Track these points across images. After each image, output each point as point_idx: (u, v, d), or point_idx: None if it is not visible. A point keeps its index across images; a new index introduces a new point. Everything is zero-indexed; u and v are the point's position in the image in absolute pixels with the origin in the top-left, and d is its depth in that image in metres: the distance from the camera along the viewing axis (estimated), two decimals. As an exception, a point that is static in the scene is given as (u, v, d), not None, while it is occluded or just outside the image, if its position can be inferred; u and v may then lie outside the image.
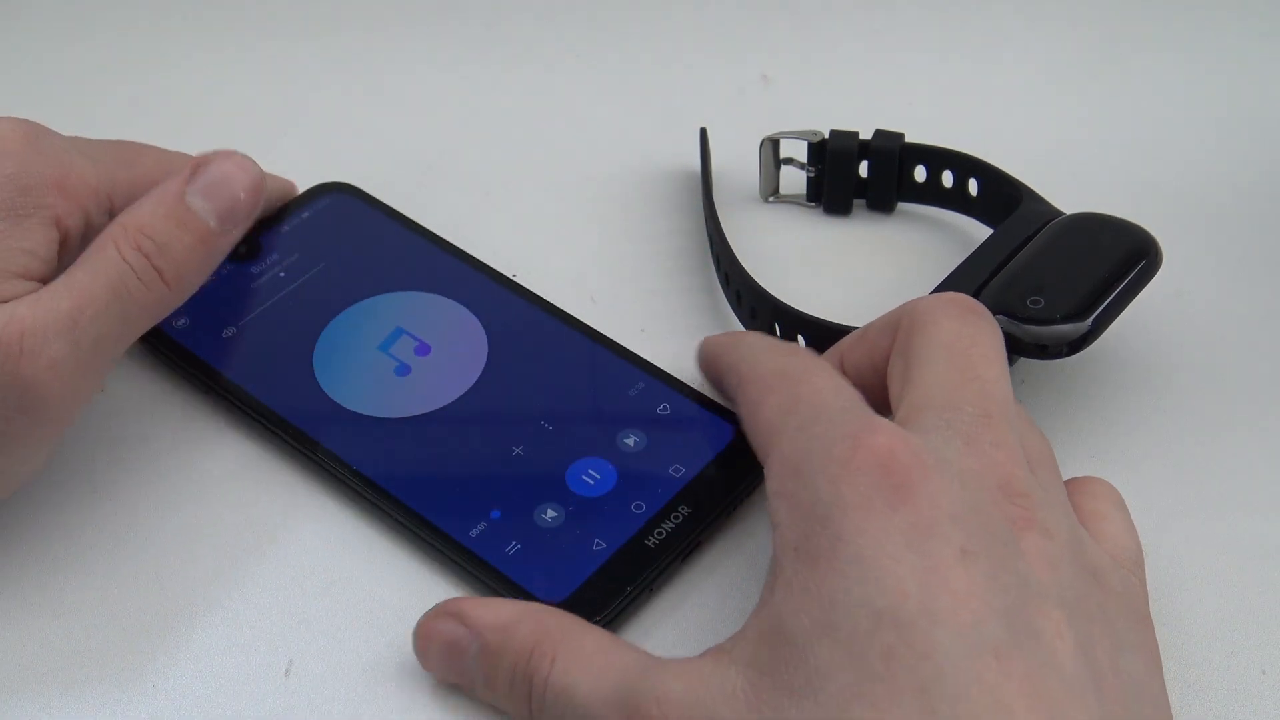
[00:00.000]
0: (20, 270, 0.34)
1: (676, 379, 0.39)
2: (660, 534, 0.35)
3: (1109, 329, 0.37)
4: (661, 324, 0.42)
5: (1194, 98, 0.50)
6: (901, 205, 0.46)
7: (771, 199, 0.47)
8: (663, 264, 0.44)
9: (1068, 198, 0.42)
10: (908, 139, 0.45)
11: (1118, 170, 0.47)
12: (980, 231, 0.44)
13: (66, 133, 0.37)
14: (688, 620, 0.35)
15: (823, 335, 0.38)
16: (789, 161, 0.46)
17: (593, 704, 0.30)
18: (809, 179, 0.46)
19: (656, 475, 0.36)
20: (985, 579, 0.28)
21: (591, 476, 0.37)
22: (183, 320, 0.41)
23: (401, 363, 0.40)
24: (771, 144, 0.46)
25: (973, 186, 0.44)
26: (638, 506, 0.36)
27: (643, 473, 0.37)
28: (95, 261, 0.34)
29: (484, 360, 0.40)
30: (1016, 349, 0.36)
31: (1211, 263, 0.44)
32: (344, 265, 0.43)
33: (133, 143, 0.39)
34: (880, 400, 0.34)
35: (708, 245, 0.44)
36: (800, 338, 0.39)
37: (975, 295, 0.39)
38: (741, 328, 0.42)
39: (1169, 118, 0.50)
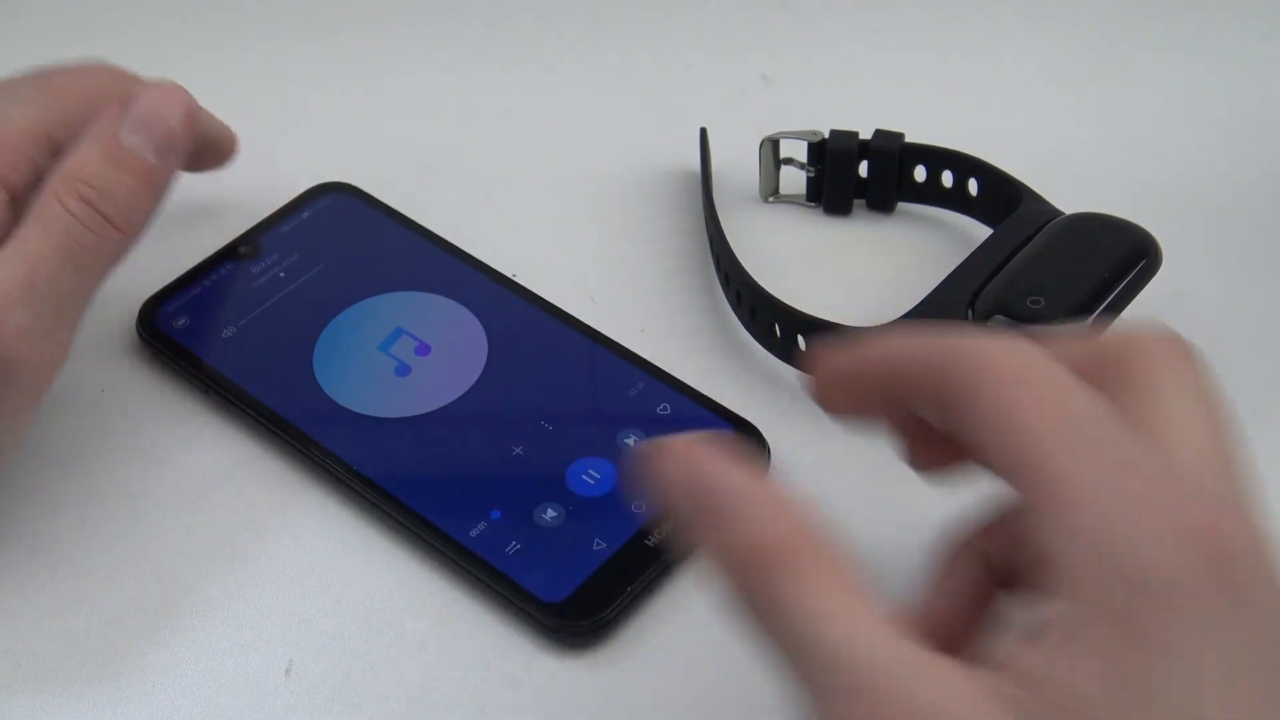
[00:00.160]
0: None
1: (676, 379, 0.39)
2: (660, 534, 0.35)
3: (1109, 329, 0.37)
4: (661, 324, 0.42)
5: (1194, 98, 0.50)
6: (901, 205, 0.46)
7: (771, 199, 0.47)
8: (663, 264, 0.44)
9: (1068, 198, 0.42)
10: (908, 139, 0.45)
11: (1118, 170, 0.47)
12: (980, 231, 0.44)
13: None
14: (688, 620, 0.35)
15: (823, 335, 0.38)
16: (789, 161, 0.46)
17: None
18: (809, 179, 0.46)
19: (656, 475, 0.36)
20: None
21: (591, 476, 0.37)
22: (183, 320, 0.41)
23: (401, 363, 0.40)
24: (771, 144, 0.46)
25: (973, 186, 0.44)
26: (638, 506, 0.36)
27: (643, 473, 0.37)
28: (42, 219, 0.34)
29: (484, 360, 0.40)
30: (1016, 349, 0.36)
31: (1211, 263, 0.44)
32: (344, 265, 0.43)
33: (50, 69, 0.38)
34: None
35: (708, 245, 0.44)
36: (800, 338, 0.39)
37: (975, 295, 0.39)
38: (741, 328, 0.42)
39: (1169, 118, 0.50)
